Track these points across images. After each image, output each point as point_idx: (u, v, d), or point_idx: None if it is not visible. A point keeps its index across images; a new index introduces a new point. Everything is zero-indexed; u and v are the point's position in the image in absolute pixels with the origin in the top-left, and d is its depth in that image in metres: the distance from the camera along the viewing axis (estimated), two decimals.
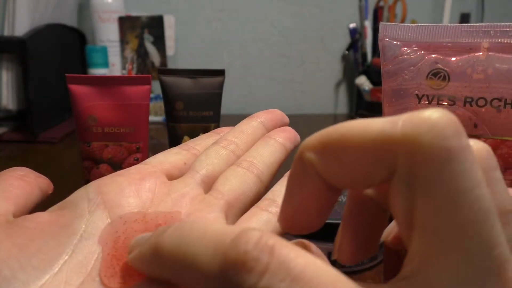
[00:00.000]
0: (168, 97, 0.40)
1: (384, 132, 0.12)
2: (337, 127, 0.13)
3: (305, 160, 0.14)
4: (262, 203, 0.21)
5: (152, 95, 0.84)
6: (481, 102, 0.24)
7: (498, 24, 0.24)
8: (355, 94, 0.99)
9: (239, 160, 0.22)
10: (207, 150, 0.23)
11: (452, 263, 0.11)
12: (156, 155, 0.23)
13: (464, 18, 1.04)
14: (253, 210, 0.20)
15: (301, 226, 0.15)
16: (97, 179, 0.20)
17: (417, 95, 0.26)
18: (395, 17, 0.94)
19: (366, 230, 0.16)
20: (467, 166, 0.11)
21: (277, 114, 0.26)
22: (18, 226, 0.16)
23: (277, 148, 0.23)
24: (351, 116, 1.04)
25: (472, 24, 0.24)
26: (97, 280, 0.16)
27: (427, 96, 0.26)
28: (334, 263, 0.15)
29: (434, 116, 0.11)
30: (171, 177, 0.21)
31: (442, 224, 0.11)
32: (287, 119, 0.26)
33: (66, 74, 0.35)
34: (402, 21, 0.91)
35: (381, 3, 0.95)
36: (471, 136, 0.25)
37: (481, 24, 0.24)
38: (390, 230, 0.17)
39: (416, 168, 0.11)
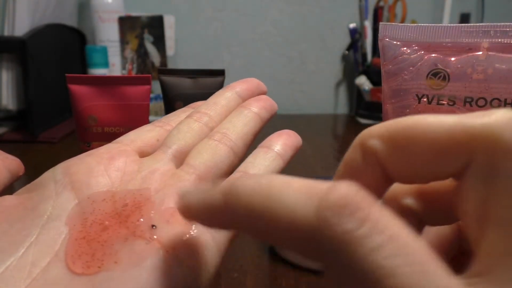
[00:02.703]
0: (168, 97, 0.40)
1: (462, 125, 0.12)
2: (407, 117, 0.13)
3: (368, 148, 0.13)
4: (234, 175, 0.20)
5: (152, 95, 0.84)
6: (481, 102, 0.24)
7: (498, 24, 0.24)
8: (355, 94, 0.99)
9: (212, 132, 0.22)
10: (179, 124, 0.22)
11: None
12: (128, 133, 0.22)
13: (464, 18, 1.04)
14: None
15: None
16: (65, 161, 0.19)
17: (417, 95, 0.26)
18: (395, 17, 0.94)
19: None
20: None
21: (253, 83, 0.25)
22: None
23: (251, 118, 0.23)
24: (351, 116, 1.04)
25: (472, 24, 0.24)
26: (64, 261, 0.15)
27: (427, 96, 0.26)
28: None
29: (509, 113, 0.12)
30: (144, 155, 0.21)
31: None
32: (264, 88, 0.26)
33: (66, 74, 0.35)
34: (402, 21, 0.91)
35: (381, 3, 0.95)
36: None
37: (481, 24, 0.24)
38: None
39: (497, 162, 0.11)
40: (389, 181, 0.14)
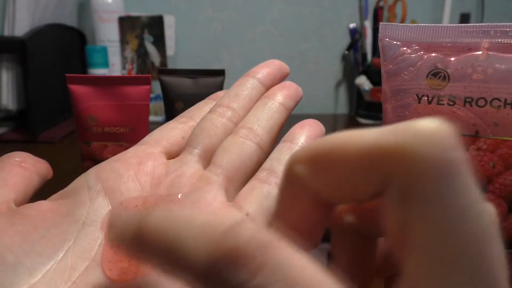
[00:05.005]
0: (168, 97, 0.40)
1: (376, 144, 0.11)
2: (326, 138, 0.12)
3: (294, 173, 0.13)
4: (260, 174, 0.20)
5: (152, 95, 0.84)
6: (481, 102, 0.24)
7: (498, 24, 0.24)
8: (355, 94, 0.99)
9: (237, 128, 0.21)
10: (202, 121, 0.22)
11: (449, 286, 0.10)
12: (153, 132, 0.22)
13: (464, 18, 1.04)
14: (252, 183, 0.20)
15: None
16: (95, 166, 0.20)
17: (417, 95, 0.26)
18: (395, 17, 0.94)
19: (355, 262, 0.15)
20: (467, 181, 0.10)
21: (274, 67, 0.24)
22: (20, 214, 0.16)
23: (276, 109, 0.22)
24: (351, 116, 1.04)
25: (472, 24, 0.24)
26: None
27: (427, 96, 0.26)
28: None
29: (430, 126, 0.11)
30: (170, 154, 0.21)
31: (438, 243, 0.10)
32: (286, 69, 0.24)
33: (66, 74, 0.35)
34: (402, 21, 0.91)
35: (381, 3, 0.95)
36: (473, 137, 0.25)
37: (481, 24, 0.24)
38: None
39: (411, 182, 0.11)
40: (327, 204, 0.13)
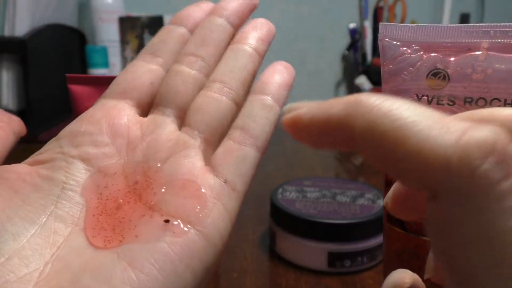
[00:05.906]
0: None
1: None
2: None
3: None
4: (233, 133, 0.19)
5: None
6: (481, 103, 0.24)
7: (498, 24, 0.24)
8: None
9: (209, 81, 0.20)
10: (170, 76, 0.20)
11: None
12: (118, 78, 0.21)
13: (464, 18, 1.04)
14: (226, 143, 0.19)
15: None
16: (66, 129, 0.19)
17: (417, 95, 0.26)
18: (395, 17, 0.94)
19: None
20: None
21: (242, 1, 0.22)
22: None
23: (249, 58, 0.21)
24: None
25: (472, 24, 0.24)
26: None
27: (427, 96, 0.26)
28: (427, 281, 0.15)
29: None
30: (142, 105, 0.20)
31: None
32: (255, 0, 0.22)
33: (66, 74, 0.35)
34: (402, 21, 0.91)
35: (381, 3, 0.95)
36: None
37: (481, 24, 0.24)
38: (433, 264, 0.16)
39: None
40: None
